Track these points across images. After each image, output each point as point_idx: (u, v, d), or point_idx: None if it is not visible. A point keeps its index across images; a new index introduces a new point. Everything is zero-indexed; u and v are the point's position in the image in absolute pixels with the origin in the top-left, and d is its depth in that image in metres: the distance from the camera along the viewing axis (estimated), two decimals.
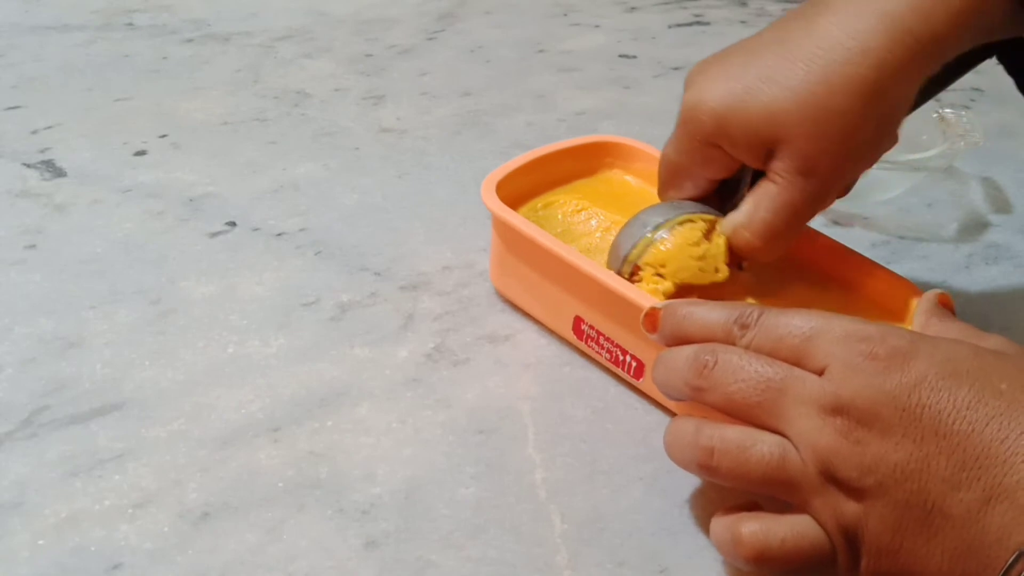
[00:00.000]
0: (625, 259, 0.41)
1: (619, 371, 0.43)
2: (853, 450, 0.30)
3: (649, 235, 0.41)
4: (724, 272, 0.40)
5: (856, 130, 0.37)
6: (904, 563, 0.29)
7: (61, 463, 0.38)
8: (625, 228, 0.42)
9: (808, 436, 0.31)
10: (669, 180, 0.42)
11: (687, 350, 0.34)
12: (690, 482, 0.38)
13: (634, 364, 0.41)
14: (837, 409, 0.30)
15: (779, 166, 0.38)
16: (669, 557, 0.35)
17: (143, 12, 0.84)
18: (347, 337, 0.45)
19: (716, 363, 0.33)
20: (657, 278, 0.40)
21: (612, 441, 0.40)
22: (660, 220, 0.41)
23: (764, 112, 0.37)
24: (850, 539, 0.30)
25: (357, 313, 0.47)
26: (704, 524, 0.36)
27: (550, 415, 0.41)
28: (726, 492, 0.37)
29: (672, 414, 0.41)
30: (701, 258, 0.40)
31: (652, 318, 0.37)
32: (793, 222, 0.39)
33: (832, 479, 0.30)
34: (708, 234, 0.41)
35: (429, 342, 0.45)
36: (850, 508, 0.30)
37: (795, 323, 0.33)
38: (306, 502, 0.37)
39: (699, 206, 0.42)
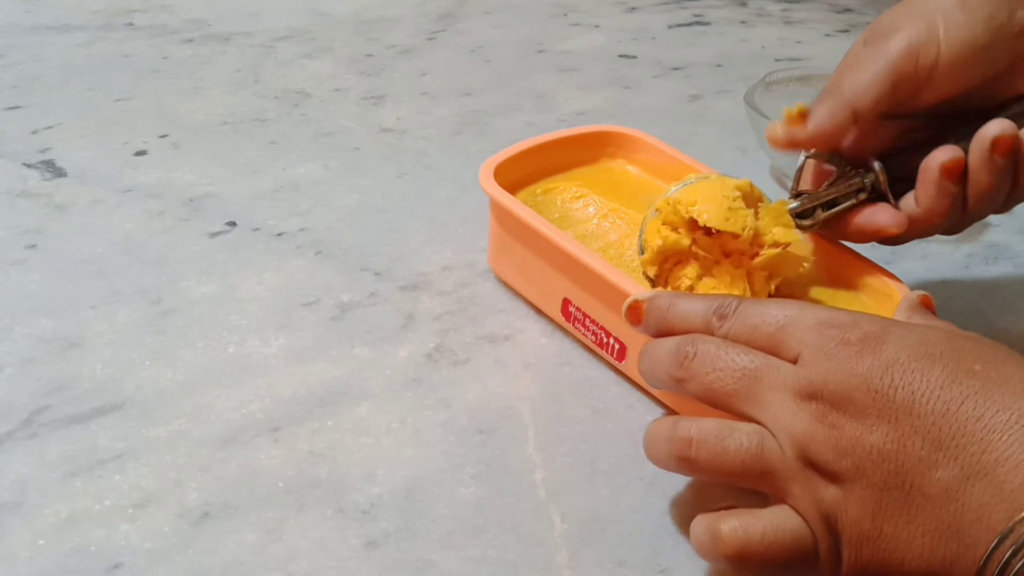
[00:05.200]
0: (656, 210, 0.40)
1: (603, 353, 0.43)
2: (829, 433, 0.30)
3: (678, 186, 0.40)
4: (751, 230, 0.39)
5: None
6: (886, 549, 0.29)
7: (61, 463, 0.38)
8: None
9: (784, 422, 0.31)
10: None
11: (670, 342, 0.35)
12: (690, 481, 0.38)
13: (617, 346, 0.42)
14: (811, 394, 0.30)
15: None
16: (669, 557, 0.35)
17: (143, 12, 0.84)
18: (347, 337, 0.45)
19: (696, 353, 0.34)
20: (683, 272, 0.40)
21: (612, 441, 0.40)
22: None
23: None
24: (831, 527, 0.30)
25: (357, 313, 0.47)
26: None
27: (550, 415, 0.41)
28: (725, 491, 0.37)
29: (666, 408, 0.41)
30: (731, 209, 0.39)
31: (636, 310, 0.37)
32: (887, 86, 0.39)
33: (809, 464, 0.30)
34: (749, 200, 0.40)
35: (429, 342, 0.45)
36: (829, 493, 0.30)
37: (770, 312, 0.33)
38: (306, 502, 0.37)
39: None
